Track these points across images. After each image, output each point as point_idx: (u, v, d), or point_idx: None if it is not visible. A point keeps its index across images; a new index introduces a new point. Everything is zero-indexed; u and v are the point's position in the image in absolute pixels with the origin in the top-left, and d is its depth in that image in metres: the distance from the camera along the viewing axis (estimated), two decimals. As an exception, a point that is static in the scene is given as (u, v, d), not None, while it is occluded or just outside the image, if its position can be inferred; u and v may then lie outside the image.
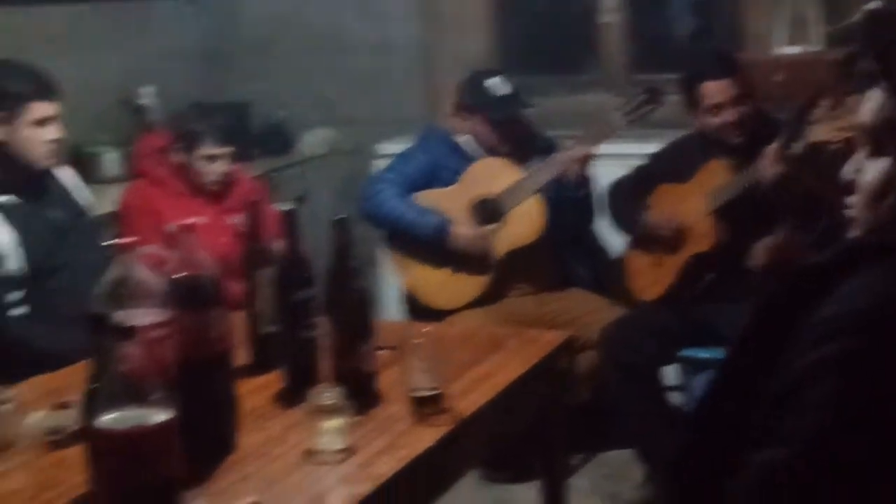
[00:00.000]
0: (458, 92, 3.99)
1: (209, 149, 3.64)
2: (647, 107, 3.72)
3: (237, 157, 3.80)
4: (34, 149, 3.12)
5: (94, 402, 1.58)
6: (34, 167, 3.15)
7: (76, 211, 3.30)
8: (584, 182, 3.76)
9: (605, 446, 3.81)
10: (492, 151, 3.88)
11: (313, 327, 2.23)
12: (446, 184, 3.88)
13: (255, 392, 2.23)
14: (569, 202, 3.78)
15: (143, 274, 1.84)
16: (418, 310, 3.89)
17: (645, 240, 3.70)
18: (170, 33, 5.06)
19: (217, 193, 3.70)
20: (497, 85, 3.87)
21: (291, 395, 2.18)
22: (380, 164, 4.35)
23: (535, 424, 2.57)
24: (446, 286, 3.85)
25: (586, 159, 3.71)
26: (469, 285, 3.83)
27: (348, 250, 2.16)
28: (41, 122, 3.11)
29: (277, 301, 2.28)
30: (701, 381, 3.43)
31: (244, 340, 2.36)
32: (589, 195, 3.82)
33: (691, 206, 3.57)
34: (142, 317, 1.75)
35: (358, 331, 2.16)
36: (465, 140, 3.92)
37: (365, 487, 1.82)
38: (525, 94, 3.96)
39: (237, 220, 3.65)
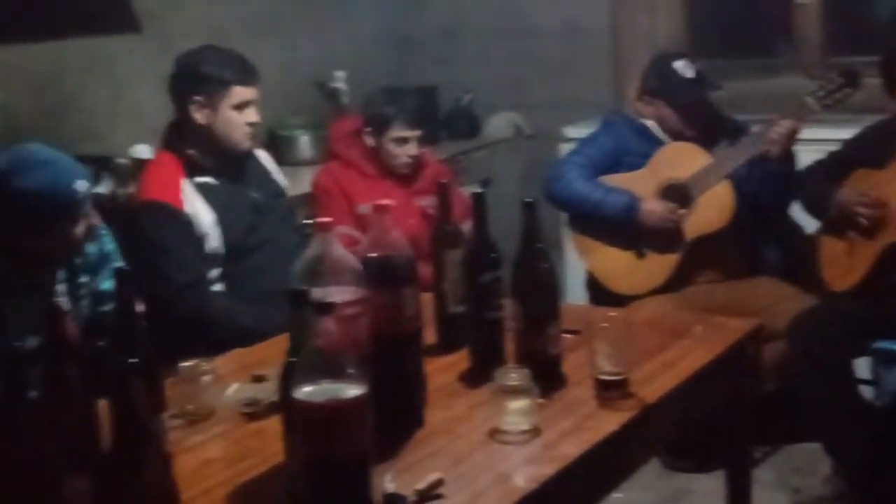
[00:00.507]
0: (643, 76, 3.95)
1: (399, 132, 3.71)
2: (844, 91, 3.61)
3: (425, 141, 3.86)
4: (234, 132, 3.24)
5: (292, 375, 1.64)
6: (233, 150, 3.27)
7: (272, 192, 3.41)
8: (788, 158, 3.66)
9: (791, 439, 3.72)
10: (677, 136, 3.83)
11: (500, 309, 2.26)
12: (631, 168, 3.85)
13: (442, 371, 2.27)
14: (770, 177, 3.67)
15: (339, 253, 1.89)
16: (601, 295, 3.87)
17: (839, 224, 3.57)
18: (361, 19, 5.17)
19: (406, 176, 3.77)
20: (682, 68, 3.81)
21: (477, 375, 2.22)
22: (565, 148, 4.35)
23: (719, 413, 2.53)
24: (631, 271, 3.82)
25: (793, 134, 3.61)
26: (655, 271, 3.79)
27: (537, 233, 2.18)
28: (241, 106, 3.23)
29: (465, 282, 2.32)
30: (894, 376, 3.31)
31: (432, 320, 2.40)
32: (792, 171, 3.72)
33: (891, 191, 3.44)
34: (338, 294, 1.80)
35: (544, 313, 2.18)
36: (651, 124, 3.88)
37: (550, 468, 1.84)
38: (716, 77, 3.89)
39: (425, 202, 3.73)
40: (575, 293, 4.21)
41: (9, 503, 1.50)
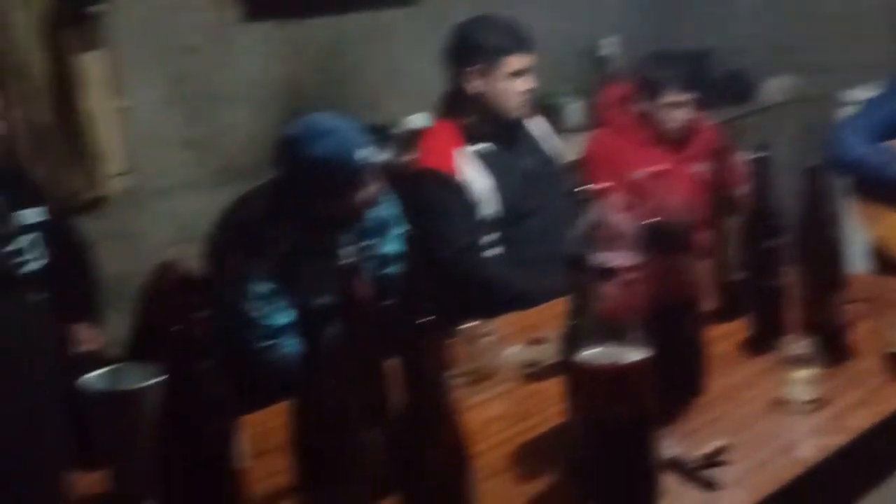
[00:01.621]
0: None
1: (671, 96, 3.67)
2: None
3: (698, 106, 3.79)
4: (508, 100, 3.28)
5: (574, 338, 1.66)
6: (508, 117, 3.32)
7: (545, 159, 3.45)
8: None
9: None
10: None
11: (781, 276, 2.21)
12: (921, 132, 3.66)
13: (722, 338, 2.24)
14: None
15: (616, 218, 1.90)
16: (888, 264, 3.70)
17: None
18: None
19: (678, 142, 3.73)
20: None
21: (758, 344, 2.18)
22: (843, 113, 4.17)
23: None
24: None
25: None
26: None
27: (821, 198, 2.11)
28: (516, 74, 3.27)
29: (745, 249, 2.28)
30: None
31: (710, 287, 2.37)
32: None
33: None
34: (618, 259, 1.81)
35: (829, 282, 2.11)
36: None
37: (837, 439, 1.79)
38: None
39: (698, 168, 3.66)
40: (857, 262, 4.04)
41: (307, 454, 1.59)
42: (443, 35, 3.42)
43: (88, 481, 1.81)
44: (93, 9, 3.44)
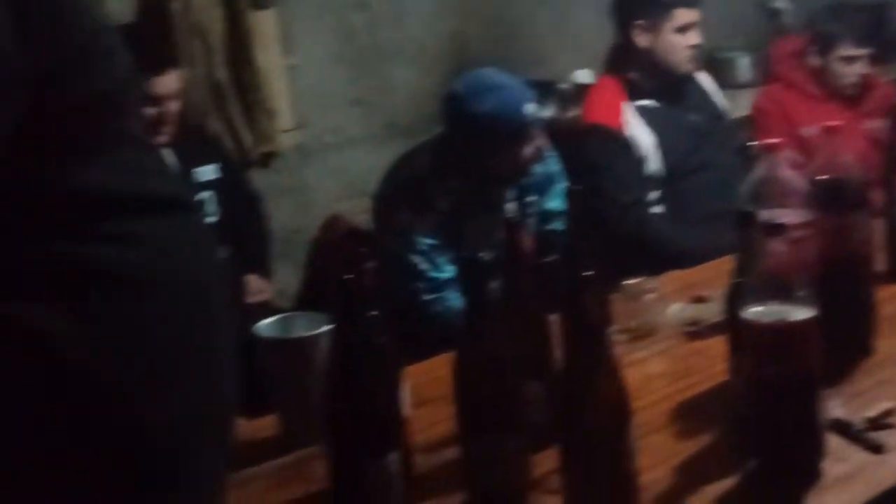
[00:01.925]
0: None
1: (847, 50, 3.55)
2: None
3: (873, 61, 3.66)
4: (675, 55, 3.24)
5: (739, 295, 1.64)
6: (674, 72, 3.27)
7: (713, 115, 3.39)
8: None
9: None
10: None
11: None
12: None
13: (892, 299, 2.18)
14: None
15: (787, 175, 1.86)
16: None
17: None
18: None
19: (852, 98, 3.61)
20: None
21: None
22: None
23: None
24: None
25: None
26: None
27: None
28: (683, 29, 3.22)
29: (920, 208, 2.21)
30: None
31: (882, 247, 2.31)
32: None
33: None
34: (787, 216, 1.78)
35: None
36: None
37: None
38: None
39: (872, 125, 3.55)
40: None
41: (469, 404, 1.62)
42: (609, -10, 3.39)
43: (258, 426, 1.89)
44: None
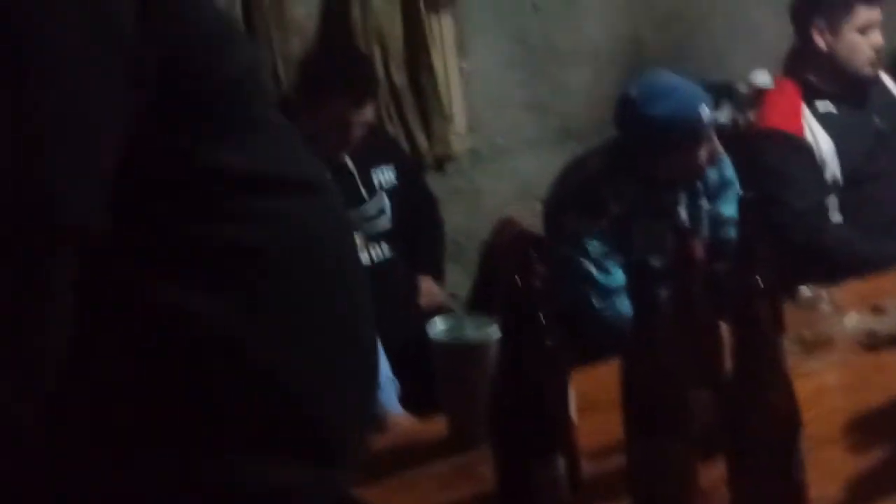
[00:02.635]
0: None
1: None
2: None
3: None
4: (857, 56, 3.15)
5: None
6: (856, 75, 3.18)
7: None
8: None
9: None
10: None
11: None
12: None
13: None
14: None
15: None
16: None
17: None
18: None
19: None
20: None
21: None
22: None
23: None
24: None
25: None
26: None
27: None
28: (864, 29, 3.13)
29: None
30: None
31: None
32: None
33: None
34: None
35: None
36: None
37: None
38: None
39: None
40: None
41: (640, 408, 1.62)
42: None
43: (428, 426, 1.93)
44: (442, -28, 3.58)
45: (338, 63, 3.06)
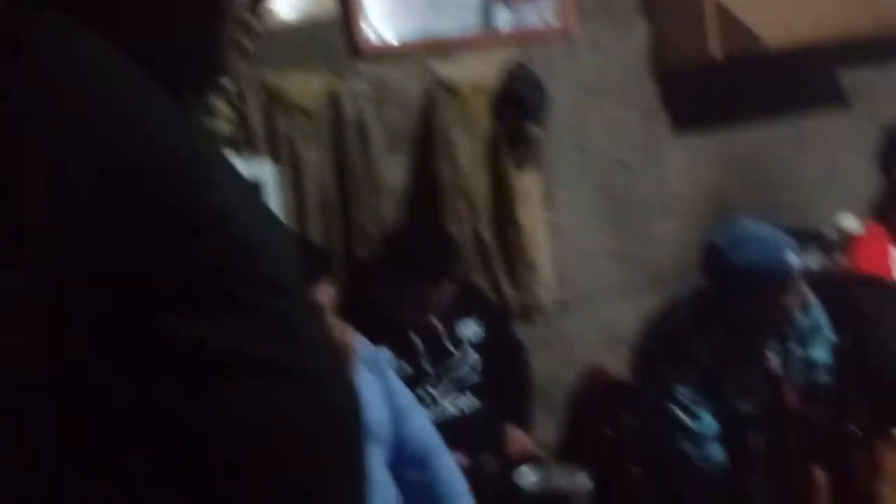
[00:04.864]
0: None
1: None
2: None
3: None
4: None
5: None
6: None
7: None
8: None
9: None
10: None
11: None
12: None
13: None
14: None
15: None
16: None
17: None
18: None
19: None
20: None
21: None
22: None
23: None
24: None
25: None
26: None
27: None
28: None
29: None
30: None
31: None
32: None
33: None
34: None
35: None
36: None
37: None
38: None
39: None
40: None
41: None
42: (873, 135, 3.33)
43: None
44: (529, 131, 3.67)
45: (419, 244, 3.14)
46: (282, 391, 1.01)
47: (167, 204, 0.97)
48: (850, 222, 3.87)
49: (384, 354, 2.92)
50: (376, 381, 2.57)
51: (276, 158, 3.25)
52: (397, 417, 2.59)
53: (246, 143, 3.22)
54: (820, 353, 2.82)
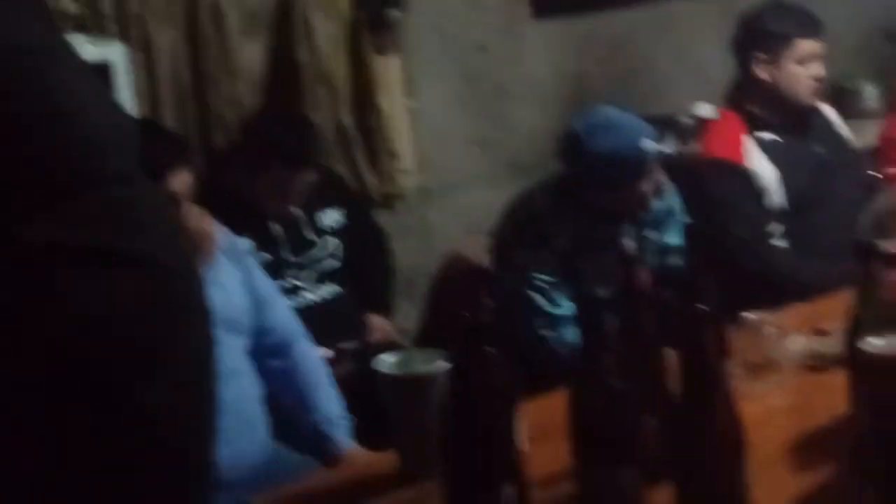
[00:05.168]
0: None
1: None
2: None
3: None
4: (798, 87, 3.21)
5: (858, 327, 1.63)
6: (797, 105, 3.24)
7: (837, 146, 3.34)
8: None
9: None
10: None
11: None
12: None
13: None
14: None
15: (909, 205, 1.83)
16: None
17: None
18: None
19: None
20: None
21: None
22: None
23: None
24: None
25: None
26: None
27: None
28: (805, 60, 3.19)
29: None
30: None
31: None
32: None
33: None
34: (906, 247, 1.75)
35: None
36: None
37: None
38: None
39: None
40: None
41: (588, 436, 1.64)
42: (731, 23, 3.38)
43: (378, 459, 1.93)
44: (390, 15, 3.61)
45: (278, 131, 3.07)
46: (124, 278, 1.00)
47: None
48: (706, 109, 3.95)
49: (244, 243, 2.89)
50: (236, 271, 2.54)
51: (126, 40, 3.13)
52: (258, 306, 2.58)
53: (94, 23, 3.08)
54: (674, 237, 2.89)
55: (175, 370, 1.03)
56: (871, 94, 4.43)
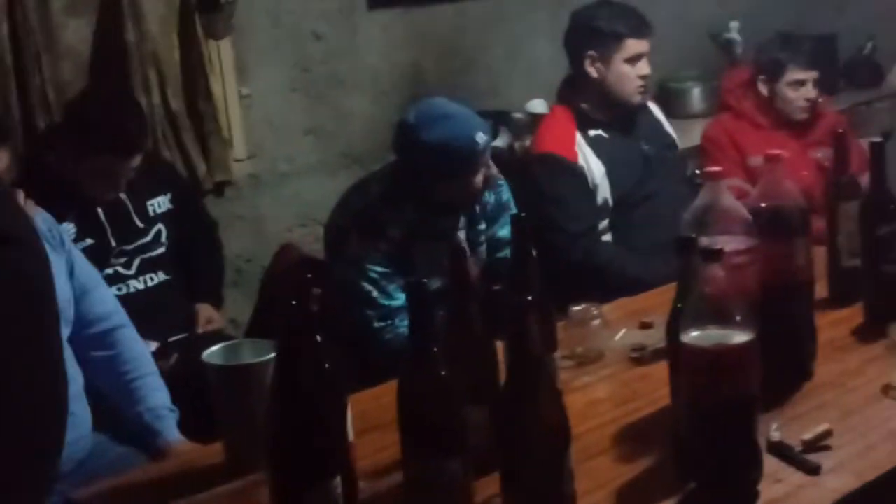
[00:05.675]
0: None
1: (795, 74, 3.62)
2: None
3: (822, 90, 3.73)
4: (626, 85, 3.28)
5: (680, 320, 1.67)
6: (625, 103, 3.31)
7: (663, 144, 3.43)
8: None
9: None
10: None
11: (897, 263, 2.18)
12: None
13: (834, 325, 2.22)
14: None
15: (729, 202, 1.90)
16: None
17: None
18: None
19: (801, 127, 3.67)
20: None
21: (871, 330, 2.16)
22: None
23: None
24: None
25: None
26: None
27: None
28: (633, 60, 3.26)
29: (861, 235, 2.25)
30: None
31: (825, 274, 2.35)
32: None
33: None
34: (728, 242, 1.81)
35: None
36: None
37: (947, 428, 1.77)
38: None
39: (820, 154, 3.61)
40: None
41: (416, 427, 1.64)
42: (563, 20, 3.43)
43: (205, 451, 1.89)
44: (223, -2, 3.54)
45: (104, 114, 2.96)
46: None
47: None
48: (538, 105, 4.01)
49: (67, 229, 2.79)
50: (58, 258, 2.45)
51: (-58, 16, 2.99)
52: (80, 294, 2.50)
53: None
54: (505, 231, 2.91)
55: (30, 349, 0.99)
56: (696, 94, 4.57)
